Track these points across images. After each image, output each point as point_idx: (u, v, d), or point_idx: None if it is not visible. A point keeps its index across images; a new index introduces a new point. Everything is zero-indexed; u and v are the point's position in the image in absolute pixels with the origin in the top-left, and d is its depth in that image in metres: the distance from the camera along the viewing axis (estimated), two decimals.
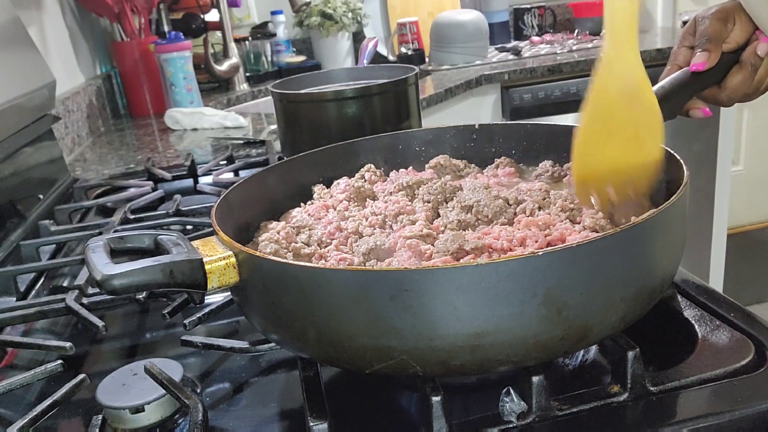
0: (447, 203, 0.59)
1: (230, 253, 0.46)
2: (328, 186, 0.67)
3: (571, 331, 0.40)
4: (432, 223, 0.56)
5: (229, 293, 0.59)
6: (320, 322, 0.42)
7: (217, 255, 0.45)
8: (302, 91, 0.95)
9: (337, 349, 0.42)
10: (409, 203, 0.60)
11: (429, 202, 0.59)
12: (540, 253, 0.38)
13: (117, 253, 0.48)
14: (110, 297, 0.65)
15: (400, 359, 0.40)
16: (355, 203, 0.63)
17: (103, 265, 0.44)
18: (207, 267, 0.45)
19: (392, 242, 0.51)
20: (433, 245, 0.50)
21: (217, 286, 0.45)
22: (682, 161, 0.50)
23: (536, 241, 0.48)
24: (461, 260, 0.47)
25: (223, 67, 1.98)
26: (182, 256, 0.45)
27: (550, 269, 0.38)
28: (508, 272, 0.38)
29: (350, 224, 0.57)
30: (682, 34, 0.70)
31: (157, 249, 0.48)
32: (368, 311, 0.40)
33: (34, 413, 0.46)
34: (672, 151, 0.52)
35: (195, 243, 0.47)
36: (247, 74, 2.15)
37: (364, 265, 0.50)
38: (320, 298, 0.41)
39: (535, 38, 2.31)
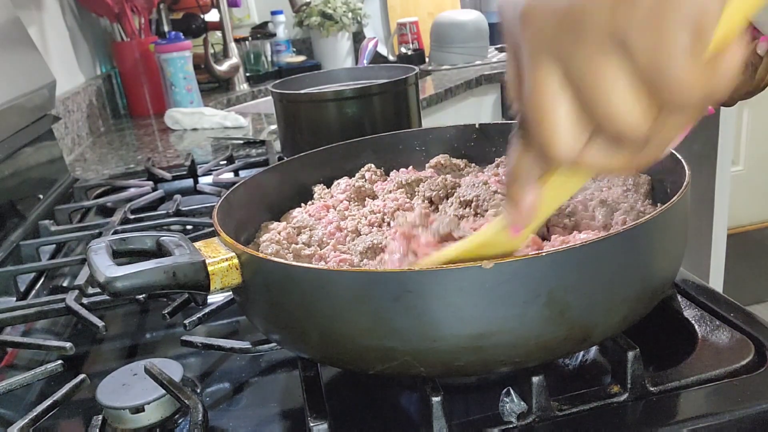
0: (447, 199, 0.59)
1: (233, 254, 0.45)
2: (329, 186, 0.67)
3: (573, 332, 0.40)
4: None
5: (229, 293, 0.59)
6: (323, 324, 0.41)
7: (219, 256, 0.45)
8: (302, 91, 0.95)
9: (340, 351, 0.42)
10: (408, 200, 0.60)
11: (430, 199, 0.59)
12: (543, 254, 0.38)
13: (119, 255, 0.48)
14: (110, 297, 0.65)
15: (403, 360, 0.40)
16: (356, 203, 0.63)
17: (105, 267, 0.43)
18: (210, 268, 0.45)
19: (389, 239, 0.51)
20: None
21: (220, 287, 0.45)
22: (683, 161, 0.50)
23: None
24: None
25: (223, 67, 1.98)
26: (185, 258, 0.45)
27: (554, 270, 0.38)
28: (511, 273, 0.38)
29: (349, 223, 0.57)
30: None
31: (159, 250, 0.48)
32: (371, 313, 0.39)
33: (34, 413, 0.46)
34: (673, 151, 0.52)
35: (197, 244, 0.47)
36: (247, 74, 2.15)
37: (361, 264, 0.50)
38: (323, 299, 0.41)
39: None
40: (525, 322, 0.39)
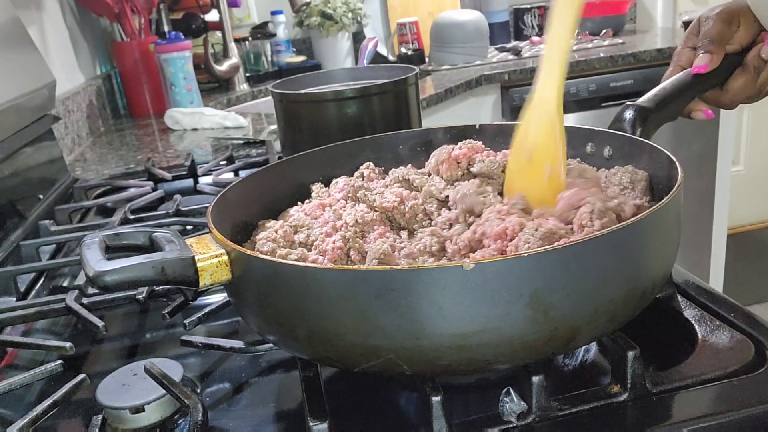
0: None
1: (222, 251, 0.46)
2: (327, 185, 0.67)
3: (558, 332, 0.40)
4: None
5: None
6: (309, 321, 0.42)
7: (209, 253, 0.45)
8: (302, 91, 0.95)
9: (327, 348, 0.42)
10: (408, 191, 0.60)
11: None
12: (526, 254, 0.38)
13: (113, 250, 0.48)
14: (110, 297, 0.65)
15: (387, 358, 0.40)
16: (353, 202, 0.63)
17: (95, 261, 0.44)
18: (198, 264, 0.45)
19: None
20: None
21: (209, 283, 0.45)
22: (676, 162, 0.49)
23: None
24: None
25: (223, 67, 1.98)
26: (174, 254, 0.45)
27: (537, 270, 0.38)
28: (494, 273, 0.38)
29: (348, 218, 0.57)
30: (686, 35, 0.70)
31: (152, 246, 0.49)
32: (355, 310, 0.40)
33: (34, 413, 0.46)
34: (667, 152, 0.52)
35: (189, 241, 0.47)
36: (247, 74, 2.15)
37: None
38: (308, 296, 0.41)
39: (535, 38, 2.31)
40: (508, 322, 0.39)
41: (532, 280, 0.38)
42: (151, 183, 1.05)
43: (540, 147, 0.54)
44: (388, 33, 2.42)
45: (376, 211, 0.58)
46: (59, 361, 0.54)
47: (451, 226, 0.55)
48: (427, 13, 2.33)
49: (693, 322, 0.52)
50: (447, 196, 0.59)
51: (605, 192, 0.54)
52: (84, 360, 0.60)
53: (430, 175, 0.64)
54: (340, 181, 0.66)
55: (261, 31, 2.24)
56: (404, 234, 0.57)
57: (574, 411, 0.43)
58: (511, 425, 0.42)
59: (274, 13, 2.28)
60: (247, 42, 2.21)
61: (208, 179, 1.06)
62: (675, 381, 0.45)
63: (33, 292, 0.76)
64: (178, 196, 0.93)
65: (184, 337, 0.56)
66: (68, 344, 0.57)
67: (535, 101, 0.55)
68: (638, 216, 0.41)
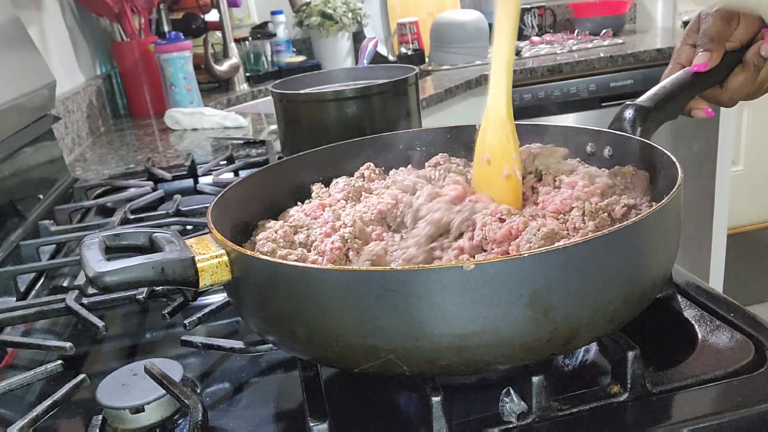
0: None
1: (222, 251, 0.46)
2: (328, 185, 0.67)
3: (558, 332, 0.40)
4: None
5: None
6: (309, 321, 0.42)
7: (209, 253, 0.45)
8: (302, 91, 0.95)
9: (326, 349, 0.42)
10: (407, 194, 0.60)
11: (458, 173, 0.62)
12: (526, 255, 0.38)
13: (113, 251, 0.48)
14: (110, 297, 0.65)
15: (387, 359, 0.40)
16: (352, 202, 0.63)
17: (95, 262, 0.44)
18: (198, 265, 0.45)
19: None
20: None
21: (209, 284, 0.45)
22: (676, 162, 0.49)
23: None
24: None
25: (223, 67, 1.98)
26: (174, 254, 0.45)
27: (537, 271, 0.38)
28: (493, 273, 0.38)
29: (347, 218, 0.57)
30: (686, 32, 0.70)
31: (152, 246, 0.49)
32: (355, 311, 0.40)
33: (34, 413, 0.46)
34: (667, 152, 0.52)
35: (189, 241, 0.47)
36: (247, 74, 2.15)
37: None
38: (308, 297, 0.41)
39: (535, 38, 2.31)
40: (508, 323, 0.39)
41: (532, 281, 0.38)
42: (151, 183, 1.05)
43: (496, 149, 0.59)
44: (388, 33, 2.42)
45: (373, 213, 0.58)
46: (59, 361, 0.54)
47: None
48: (427, 13, 2.33)
49: (693, 322, 0.52)
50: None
51: (602, 193, 0.54)
52: (84, 360, 0.60)
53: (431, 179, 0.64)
54: (341, 182, 0.66)
55: (261, 31, 2.24)
56: (397, 237, 0.57)
57: (574, 411, 0.43)
58: (511, 425, 0.42)
59: (274, 13, 2.28)
60: (247, 42, 2.21)
61: (208, 179, 1.06)
62: (675, 381, 0.45)
63: (33, 292, 0.76)
64: (178, 196, 0.93)
65: (184, 337, 0.56)
66: (68, 344, 0.57)
67: (488, 109, 0.59)
68: (638, 216, 0.41)
